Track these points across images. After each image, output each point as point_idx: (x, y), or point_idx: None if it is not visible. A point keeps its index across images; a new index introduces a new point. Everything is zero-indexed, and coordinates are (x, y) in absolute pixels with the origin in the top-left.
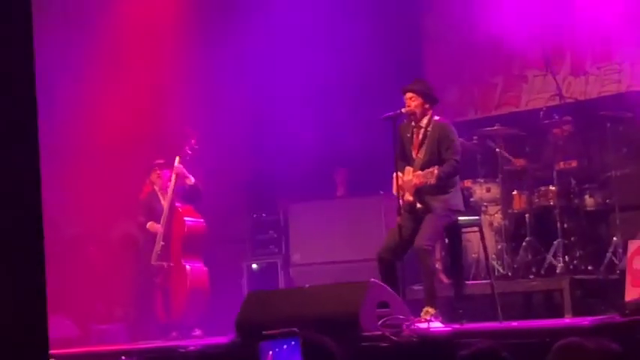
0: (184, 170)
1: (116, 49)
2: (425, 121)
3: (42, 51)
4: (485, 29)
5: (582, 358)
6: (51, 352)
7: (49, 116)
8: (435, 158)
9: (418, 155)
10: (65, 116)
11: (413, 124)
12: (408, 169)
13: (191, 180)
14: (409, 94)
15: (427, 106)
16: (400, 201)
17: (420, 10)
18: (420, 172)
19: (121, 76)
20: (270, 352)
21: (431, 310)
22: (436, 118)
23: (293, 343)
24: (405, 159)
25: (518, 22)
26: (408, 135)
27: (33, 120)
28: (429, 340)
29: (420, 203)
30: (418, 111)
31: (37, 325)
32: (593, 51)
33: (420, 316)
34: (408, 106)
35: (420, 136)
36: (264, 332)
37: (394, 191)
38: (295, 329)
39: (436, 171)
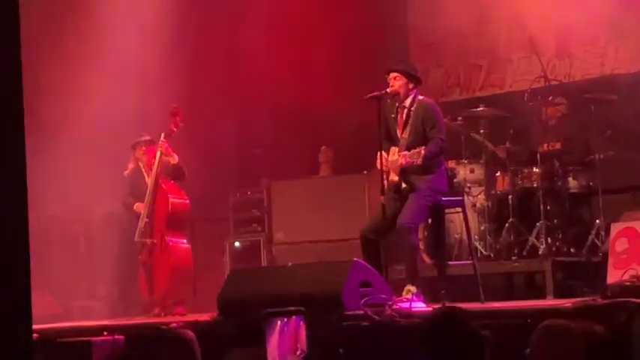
0: (169, 148)
1: (102, 25)
2: (408, 101)
3: (26, 26)
4: (470, 11)
5: (566, 338)
6: (33, 327)
7: (35, 93)
8: (420, 138)
9: (403, 135)
10: (50, 93)
11: (397, 104)
12: (393, 149)
13: (174, 158)
14: (393, 74)
15: (411, 86)
16: (385, 181)
17: None
18: (406, 152)
19: (106, 53)
20: (278, 325)
21: (412, 288)
22: (420, 97)
23: (298, 317)
24: (389, 139)
25: (504, 4)
26: (392, 115)
27: (18, 97)
28: (411, 320)
29: (406, 183)
30: (402, 91)
31: (21, 301)
32: (578, 34)
33: (401, 295)
34: (392, 86)
35: (404, 116)
36: (268, 310)
37: (377, 166)
38: (301, 308)
39: (423, 151)
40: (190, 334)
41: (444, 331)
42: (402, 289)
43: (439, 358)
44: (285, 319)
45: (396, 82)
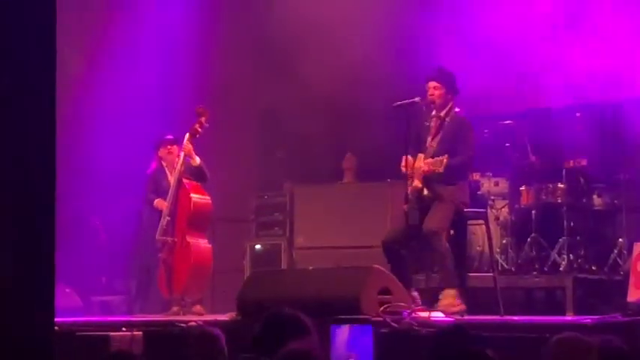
0: (192, 150)
1: (127, 20)
2: (444, 111)
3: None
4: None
5: (581, 351)
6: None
7: (63, 90)
8: (448, 149)
9: (432, 143)
10: (75, 89)
11: (433, 112)
12: (420, 155)
13: (196, 161)
14: (433, 83)
15: (449, 96)
16: (408, 188)
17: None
18: (430, 159)
19: (132, 50)
20: (344, 334)
21: (451, 291)
22: (456, 109)
23: (364, 327)
24: (417, 145)
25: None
26: (427, 123)
27: (50, 83)
28: (429, 329)
29: (428, 190)
30: (439, 101)
31: (45, 293)
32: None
33: (438, 299)
34: (431, 95)
35: (437, 126)
36: (336, 317)
37: (402, 169)
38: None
39: (445, 160)
40: (217, 331)
41: (450, 346)
42: (433, 296)
43: None
44: (349, 332)
45: (436, 91)
